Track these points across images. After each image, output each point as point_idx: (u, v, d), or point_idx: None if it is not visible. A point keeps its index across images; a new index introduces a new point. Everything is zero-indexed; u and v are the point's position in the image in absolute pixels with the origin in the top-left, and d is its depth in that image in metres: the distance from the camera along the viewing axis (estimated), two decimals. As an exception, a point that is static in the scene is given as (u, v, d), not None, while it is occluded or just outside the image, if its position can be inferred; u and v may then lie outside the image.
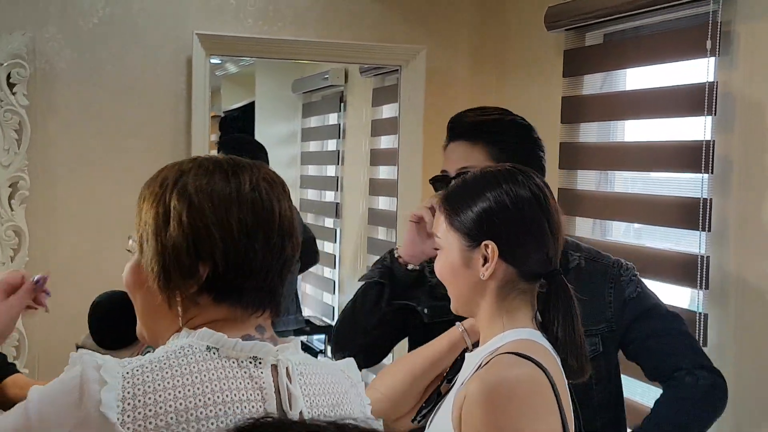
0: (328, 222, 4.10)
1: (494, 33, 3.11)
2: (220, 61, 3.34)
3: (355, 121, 3.75)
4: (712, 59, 2.11)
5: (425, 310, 1.88)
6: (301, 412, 1.11)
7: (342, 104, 3.82)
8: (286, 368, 1.13)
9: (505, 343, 1.38)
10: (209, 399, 1.05)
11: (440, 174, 1.89)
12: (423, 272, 1.89)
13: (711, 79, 2.11)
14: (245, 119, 4.33)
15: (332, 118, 3.97)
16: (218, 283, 1.12)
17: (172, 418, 1.03)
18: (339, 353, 1.95)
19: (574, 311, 1.41)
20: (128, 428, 1.01)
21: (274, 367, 1.12)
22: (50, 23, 2.71)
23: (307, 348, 4.06)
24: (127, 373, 1.04)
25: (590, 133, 2.64)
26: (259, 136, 4.12)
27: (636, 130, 2.59)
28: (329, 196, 4.06)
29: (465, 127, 1.88)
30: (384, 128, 3.49)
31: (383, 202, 3.52)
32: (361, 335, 1.92)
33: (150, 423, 1.02)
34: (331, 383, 1.20)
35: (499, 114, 1.92)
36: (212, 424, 1.04)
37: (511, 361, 1.32)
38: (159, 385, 1.04)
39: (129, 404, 1.02)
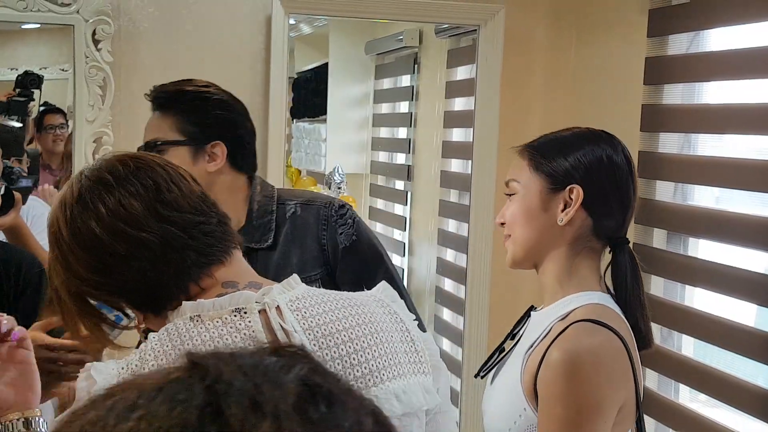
0: (399, 184, 4.10)
1: (575, -8, 3.05)
2: (293, 21, 3.35)
3: (429, 83, 3.73)
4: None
5: None
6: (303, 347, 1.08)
7: (416, 66, 3.80)
8: (276, 308, 1.08)
9: (577, 307, 1.37)
10: None
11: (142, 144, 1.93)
12: None
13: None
14: (318, 80, 4.34)
15: (405, 80, 3.96)
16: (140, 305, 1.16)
17: None
18: None
19: (641, 279, 1.42)
20: None
21: (263, 312, 1.08)
22: (134, -19, 2.75)
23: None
24: (122, 368, 1.04)
25: (675, 94, 2.58)
26: (331, 98, 4.13)
27: (723, 92, 2.52)
28: (400, 158, 4.06)
29: (157, 99, 1.93)
30: (458, 90, 3.46)
31: (456, 165, 3.50)
32: None
33: None
34: (350, 307, 1.13)
35: (196, 87, 1.94)
36: None
37: (589, 329, 1.31)
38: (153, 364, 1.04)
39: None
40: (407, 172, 3.93)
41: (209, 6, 2.82)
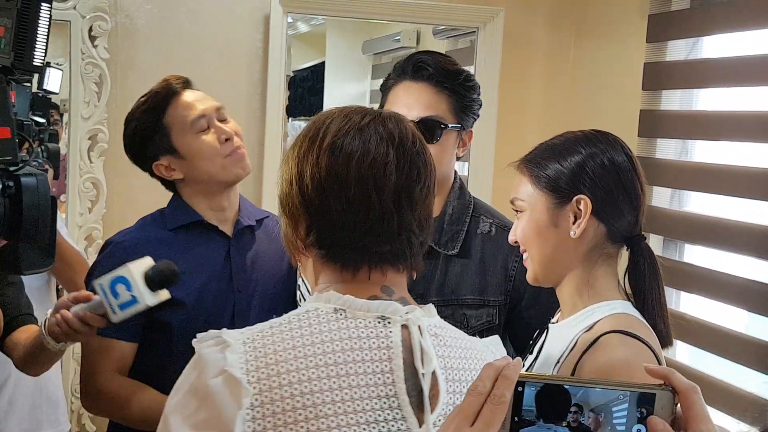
0: (395, 185, 4.09)
1: (574, -4, 3.05)
2: (290, 20, 3.34)
3: (426, 84, 3.71)
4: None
5: None
6: (434, 372, 1.06)
7: (413, 66, 3.78)
8: (418, 326, 1.08)
9: (602, 319, 1.33)
10: (330, 359, 1.02)
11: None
12: None
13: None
14: (315, 79, 4.32)
15: (402, 80, 3.94)
16: (317, 240, 1.10)
17: (294, 377, 1.00)
18: None
19: (660, 275, 1.38)
20: (254, 387, 0.99)
21: (404, 327, 1.08)
22: (131, -23, 2.73)
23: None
24: (248, 338, 1.03)
25: (673, 100, 2.58)
26: (327, 97, 4.11)
27: (721, 99, 2.52)
28: (396, 158, 4.05)
29: (432, 71, 1.76)
30: (456, 91, 3.45)
31: (452, 166, 3.49)
32: None
33: (274, 381, 1.00)
34: (471, 349, 1.14)
35: (463, 68, 1.84)
36: (334, 382, 1.01)
37: (619, 341, 1.27)
38: (279, 346, 1.02)
39: (252, 365, 1.00)
40: (403, 172, 3.91)
41: (207, 3, 2.81)
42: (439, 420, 1.04)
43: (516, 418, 0.83)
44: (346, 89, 4.24)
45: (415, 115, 1.75)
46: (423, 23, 3.30)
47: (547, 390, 0.84)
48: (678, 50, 2.57)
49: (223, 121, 1.85)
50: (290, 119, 4.25)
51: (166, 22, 2.77)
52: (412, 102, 1.76)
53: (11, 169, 1.26)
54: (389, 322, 1.07)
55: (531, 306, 1.77)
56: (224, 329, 1.05)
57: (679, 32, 2.54)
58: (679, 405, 0.84)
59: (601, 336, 1.29)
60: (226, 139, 1.81)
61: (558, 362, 1.35)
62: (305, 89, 4.26)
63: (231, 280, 1.83)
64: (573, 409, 0.83)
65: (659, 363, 1.28)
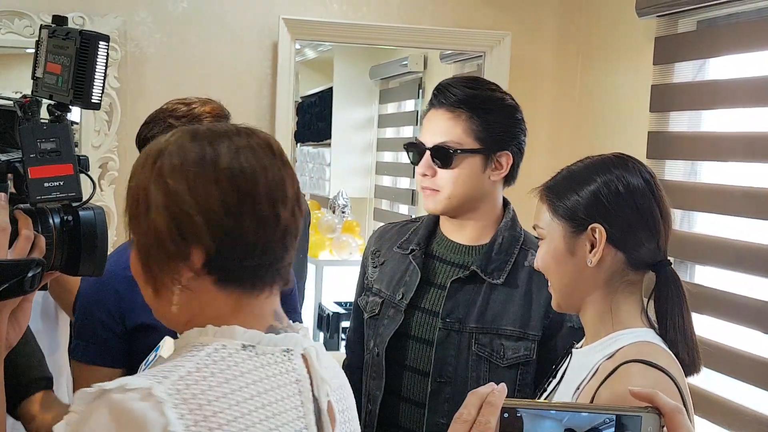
0: (403, 209, 4.10)
1: (580, 19, 3.06)
2: (298, 47, 3.37)
3: (433, 108, 3.73)
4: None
5: None
6: (329, 401, 1.08)
7: (420, 90, 3.81)
8: (314, 354, 1.09)
9: (624, 347, 1.32)
10: (258, 402, 1.01)
11: (413, 141, 1.83)
12: None
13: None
14: (322, 105, 4.35)
15: (409, 105, 3.96)
16: (216, 266, 1.05)
17: (233, 429, 0.98)
18: None
19: (686, 302, 1.37)
20: None
21: (303, 357, 1.08)
22: (141, 7, 2.76)
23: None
24: (172, 390, 0.96)
25: (680, 122, 2.58)
26: (335, 122, 4.13)
27: (729, 120, 2.52)
28: (404, 182, 4.06)
29: (450, 96, 1.77)
30: (463, 115, 3.46)
31: (460, 190, 3.50)
32: None
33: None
34: (337, 368, 1.19)
35: (490, 90, 1.84)
36: (265, 426, 1.00)
37: (640, 371, 1.26)
38: (211, 395, 0.98)
39: (189, 420, 0.95)
40: (411, 197, 3.93)
41: (216, 32, 2.83)
42: None
43: None
44: (354, 114, 4.26)
45: (430, 143, 1.78)
46: (430, 48, 3.33)
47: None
48: (685, 72, 2.58)
49: None
50: (299, 144, 4.28)
51: (176, 51, 2.80)
52: (431, 128, 1.79)
53: (74, 204, 1.27)
54: (292, 354, 1.07)
55: (555, 349, 1.74)
56: (132, 378, 0.98)
57: (685, 54, 2.55)
58: (665, 428, 0.85)
59: (621, 365, 1.28)
60: None
61: (578, 388, 1.34)
62: (313, 115, 4.28)
63: None
64: None
65: (680, 392, 1.27)
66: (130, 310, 1.72)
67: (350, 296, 4.21)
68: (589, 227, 1.35)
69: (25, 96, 1.57)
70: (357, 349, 1.99)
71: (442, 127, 1.77)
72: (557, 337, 1.76)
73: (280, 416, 1.02)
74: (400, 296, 1.86)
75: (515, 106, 1.84)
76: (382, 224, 2.08)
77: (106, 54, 1.32)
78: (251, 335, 1.05)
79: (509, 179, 1.85)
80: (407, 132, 4.01)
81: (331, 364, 1.16)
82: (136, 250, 1.08)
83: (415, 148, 1.82)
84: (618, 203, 1.34)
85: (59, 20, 1.41)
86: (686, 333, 1.35)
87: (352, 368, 1.97)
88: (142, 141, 1.83)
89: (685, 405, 1.28)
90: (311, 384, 1.07)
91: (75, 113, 2.49)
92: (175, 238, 1.04)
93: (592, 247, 1.35)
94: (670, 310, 1.35)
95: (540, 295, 1.76)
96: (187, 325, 1.08)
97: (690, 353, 1.35)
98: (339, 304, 3.67)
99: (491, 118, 1.78)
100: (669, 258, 1.40)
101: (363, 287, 1.99)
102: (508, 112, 1.82)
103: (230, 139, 1.06)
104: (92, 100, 1.31)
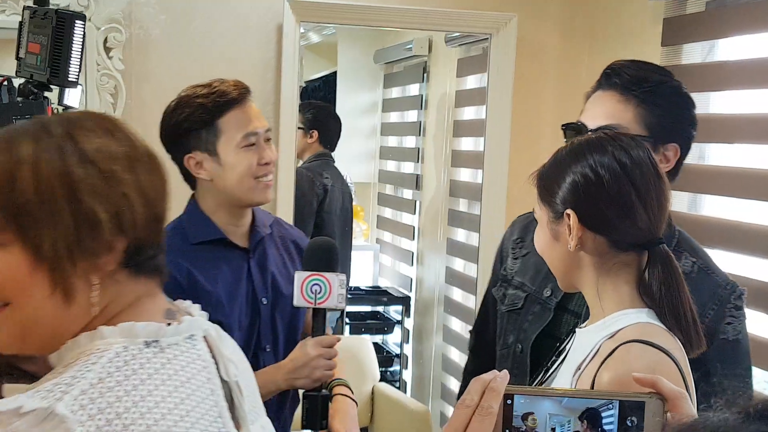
0: (407, 194, 4.09)
1: (587, 0, 3.04)
2: (303, 30, 3.35)
3: (438, 92, 3.72)
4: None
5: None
6: (238, 380, 1.06)
7: (425, 74, 3.79)
8: (215, 335, 1.07)
9: (624, 327, 1.32)
10: (171, 403, 0.95)
11: (575, 122, 1.72)
12: None
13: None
14: (326, 89, 4.34)
15: (414, 89, 3.95)
16: (135, 255, 0.99)
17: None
18: None
19: (679, 280, 1.35)
20: None
21: (204, 339, 1.05)
22: (145, -11, 2.74)
23: (385, 318, 4.08)
24: (76, 406, 0.88)
25: (689, 104, 2.56)
26: (339, 107, 4.12)
27: (737, 102, 2.51)
28: (409, 167, 4.05)
29: (622, 78, 1.67)
30: (468, 99, 3.46)
31: (465, 174, 3.49)
32: None
33: None
34: (233, 342, 1.15)
35: (663, 75, 1.72)
36: (181, 426, 0.96)
37: (640, 351, 1.26)
38: (120, 408, 0.91)
39: None
40: (416, 181, 3.92)
41: (221, 14, 2.81)
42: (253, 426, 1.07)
43: (507, 431, 0.85)
44: (358, 99, 4.25)
45: (593, 125, 1.66)
46: (435, 30, 3.31)
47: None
48: (693, 53, 2.56)
49: (267, 141, 1.84)
50: (303, 129, 4.25)
51: (181, 33, 2.78)
52: (597, 112, 1.68)
53: None
54: (195, 339, 1.03)
55: (715, 358, 1.60)
56: (24, 398, 0.88)
57: (694, 35, 2.53)
58: (668, 413, 0.86)
59: (621, 345, 1.28)
60: (266, 163, 1.81)
61: (579, 368, 1.34)
62: (317, 99, 4.27)
63: (255, 294, 1.83)
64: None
65: (681, 372, 1.27)
66: None
67: (354, 280, 4.19)
68: (564, 213, 1.37)
69: (1, 76, 1.57)
70: (484, 339, 1.92)
71: (611, 110, 1.66)
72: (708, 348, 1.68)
73: (194, 411, 0.98)
74: (549, 293, 1.75)
75: (690, 97, 1.73)
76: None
77: (82, 33, 1.32)
78: (152, 329, 0.99)
79: (672, 174, 1.69)
80: (412, 116, 4.00)
81: (231, 342, 1.13)
82: (41, 250, 0.95)
83: (576, 129, 1.70)
84: (586, 188, 1.35)
85: (40, 1, 1.41)
86: (680, 313, 1.35)
87: (479, 353, 1.94)
88: (173, 126, 1.78)
89: (686, 385, 1.28)
90: (217, 367, 1.04)
91: (75, 97, 2.49)
92: (111, 225, 0.96)
93: (570, 231, 1.37)
94: (664, 290, 1.35)
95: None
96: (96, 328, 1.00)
97: (685, 333, 1.34)
98: (344, 288, 3.66)
99: (665, 105, 1.66)
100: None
101: (498, 277, 1.88)
102: (684, 102, 1.70)
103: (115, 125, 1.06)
104: (69, 78, 1.31)
